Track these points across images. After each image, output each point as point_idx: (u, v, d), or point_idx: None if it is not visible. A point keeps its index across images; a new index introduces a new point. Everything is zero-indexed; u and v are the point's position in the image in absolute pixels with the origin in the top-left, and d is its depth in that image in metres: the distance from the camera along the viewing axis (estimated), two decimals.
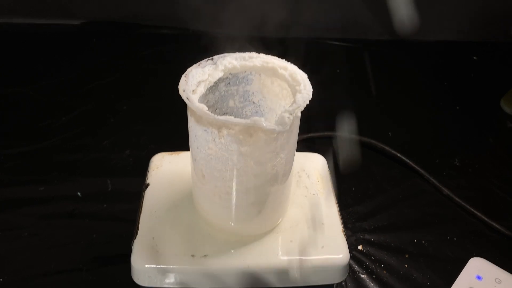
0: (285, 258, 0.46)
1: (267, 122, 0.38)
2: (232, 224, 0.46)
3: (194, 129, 0.42)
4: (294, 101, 0.40)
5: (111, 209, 0.60)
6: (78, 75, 0.87)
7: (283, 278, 0.46)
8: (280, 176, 0.44)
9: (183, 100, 0.40)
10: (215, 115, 0.38)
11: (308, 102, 0.40)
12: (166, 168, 0.55)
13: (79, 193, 0.62)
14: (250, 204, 0.44)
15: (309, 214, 0.50)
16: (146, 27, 1.01)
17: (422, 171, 0.68)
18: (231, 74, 0.46)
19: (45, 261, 0.53)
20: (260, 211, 0.45)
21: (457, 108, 0.84)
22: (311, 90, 0.42)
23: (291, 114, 0.39)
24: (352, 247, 0.57)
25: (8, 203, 0.60)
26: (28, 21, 1.01)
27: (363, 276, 0.54)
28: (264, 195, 0.44)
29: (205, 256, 0.45)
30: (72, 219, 0.59)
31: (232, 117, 0.38)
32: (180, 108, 0.66)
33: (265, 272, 0.45)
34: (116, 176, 0.65)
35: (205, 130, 0.40)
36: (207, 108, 0.39)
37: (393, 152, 0.71)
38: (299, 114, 0.40)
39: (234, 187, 0.43)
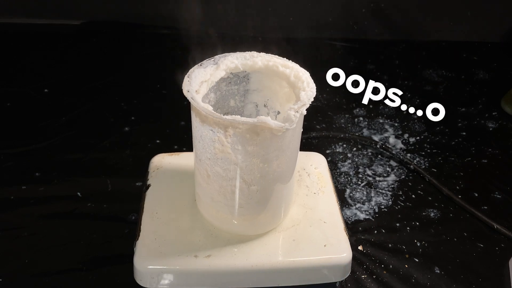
0: (288, 257, 0.46)
1: (274, 120, 0.38)
2: (235, 222, 0.46)
3: (199, 130, 0.41)
4: (299, 99, 0.40)
5: (111, 209, 0.60)
6: (78, 75, 0.87)
7: (286, 277, 0.46)
8: (285, 175, 0.44)
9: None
10: (222, 115, 0.38)
11: (312, 99, 0.40)
12: (166, 169, 0.55)
13: (79, 193, 0.62)
14: (255, 203, 0.44)
15: (310, 213, 0.50)
16: (146, 27, 1.01)
17: (422, 171, 0.68)
18: (232, 74, 0.46)
19: (45, 261, 0.53)
20: (263, 209, 0.45)
21: (458, 108, 0.84)
22: (315, 87, 0.42)
23: (297, 111, 0.39)
24: (352, 247, 0.57)
25: (8, 203, 0.60)
26: (28, 21, 1.00)
27: (363, 276, 0.54)
28: (269, 194, 0.44)
29: (208, 256, 0.45)
30: (72, 219, 0.59)
31: (239, 116, 0.38)
32: (180, 108, 0.67)
33: (269, 271, 0.45)
34: (116, 176, 0.65)
35: (211, 130, 0.40)
36: (212, 108, 0.39)
37: (394, 152, 0.71)
38: (305, 112, 0.40)
39: (239, 186, 0.43)
